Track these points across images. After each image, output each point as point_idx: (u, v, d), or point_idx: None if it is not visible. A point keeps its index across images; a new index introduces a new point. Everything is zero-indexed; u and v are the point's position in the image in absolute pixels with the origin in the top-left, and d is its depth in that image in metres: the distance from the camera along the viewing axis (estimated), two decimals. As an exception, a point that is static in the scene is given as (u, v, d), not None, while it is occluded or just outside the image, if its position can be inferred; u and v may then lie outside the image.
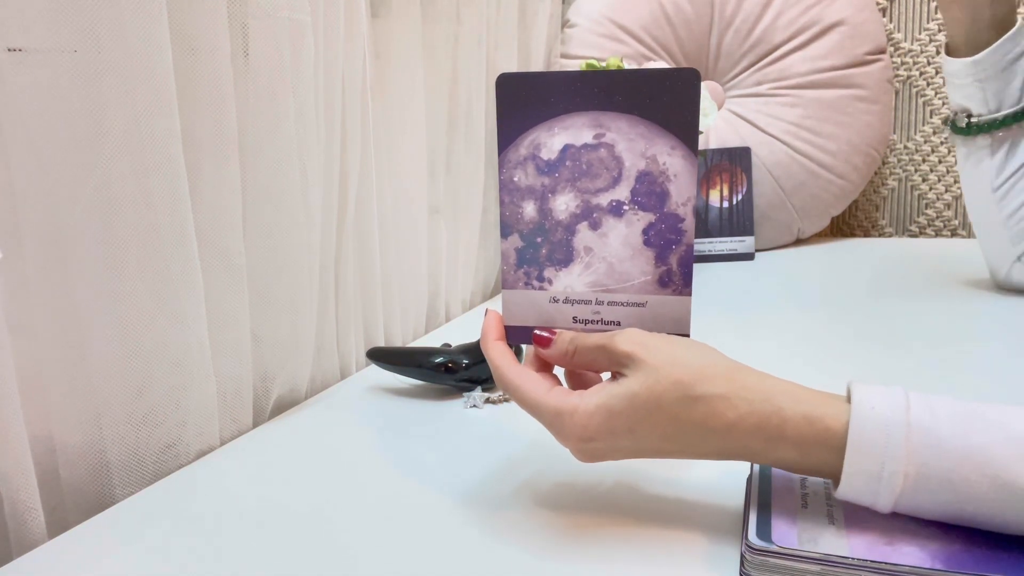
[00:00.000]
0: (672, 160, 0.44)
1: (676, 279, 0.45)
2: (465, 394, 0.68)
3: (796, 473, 0.42)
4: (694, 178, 0.44)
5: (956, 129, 0.86)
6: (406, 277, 0.90)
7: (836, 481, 0.39)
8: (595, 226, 0.45)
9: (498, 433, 0.60)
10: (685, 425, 0.40)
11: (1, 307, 0.46)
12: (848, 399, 0.39)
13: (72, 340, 0.51)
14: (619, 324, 0.46)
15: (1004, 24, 0.81)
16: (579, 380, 0.48)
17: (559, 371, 0.48)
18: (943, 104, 1.36)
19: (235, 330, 0.62)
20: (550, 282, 0.47)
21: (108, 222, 0.51)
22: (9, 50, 0.46)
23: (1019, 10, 0.80)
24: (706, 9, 1.29)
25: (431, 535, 0.46)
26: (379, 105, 0.82)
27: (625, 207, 0.45)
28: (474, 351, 0.69)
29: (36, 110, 0.47)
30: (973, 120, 0.83)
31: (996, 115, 0.82)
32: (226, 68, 0.58)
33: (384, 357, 0.70)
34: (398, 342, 0.88)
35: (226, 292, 0.61)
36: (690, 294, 0.45)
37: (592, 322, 0.46)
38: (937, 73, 1.34)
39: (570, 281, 0.46)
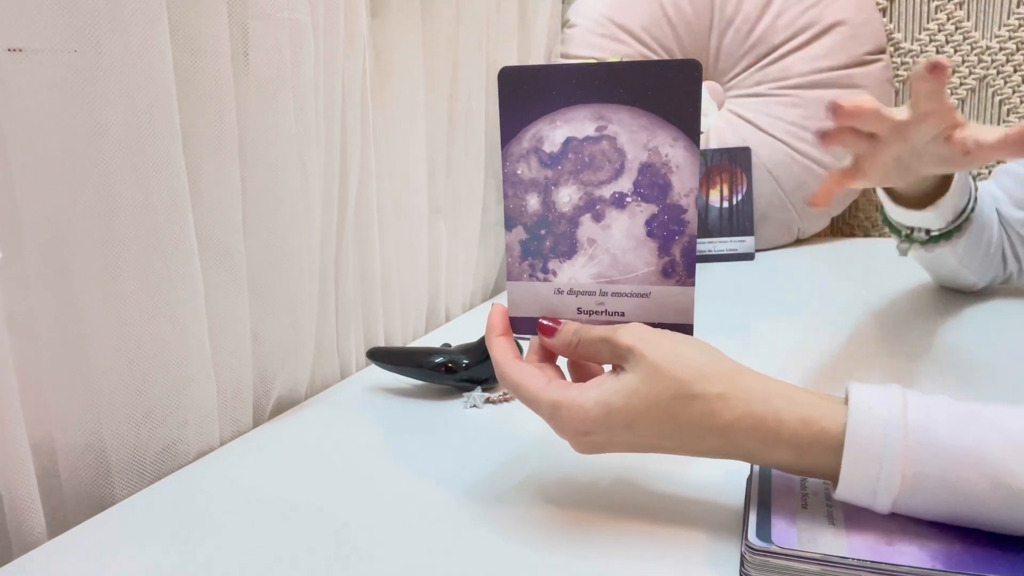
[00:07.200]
0: (674, 152, 0.44)
1: (679, 270, 0.45)
2: (465, 394, 0.68)
3: (793, 474, 0.42)
4: (696, 169, 0.44)
5: (915, 242, 0.82)
6: (406, 277, 0.90)
7: (833, 483, 0.39)
8: (598, 218, 0.46)
9: (498, 433, 0.60)
10: (682, 423, 0.40)
11: (1, 307, 0.46)
12: (846, 401, 0.39)
13: (72, 340, 0.51)
14: (623, 315, 0.46)
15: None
16: (582, 371, 0.48)
17: (562, 362, 0.48)
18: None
19: (235, 330, 0.62)
20: (554, 274, 0.47)
21: (108, 222, 0.51)
22: (9, 50, 0.46)
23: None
24: (706, 9, 1.29)
25: (431, 533, 0.46)
26: (379, 105, 0.82)
27: (628, 199, 0.45)
28: (474, 351, 0.69)
29: (36, 110, 0.47)
30: (934, 234, 0.80)
31: (955, 223, 0.79)
32: (226, 68, 0.58)
33: (384, 357, 0.70)
34: (398, 342, 0.88)
35: (226, 292, 0.61)
36: (693, 284, 0.45)
37: (596, 313, 0.47)
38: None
39: (574, 272, 0.47)
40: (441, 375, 0.68)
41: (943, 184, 0.75)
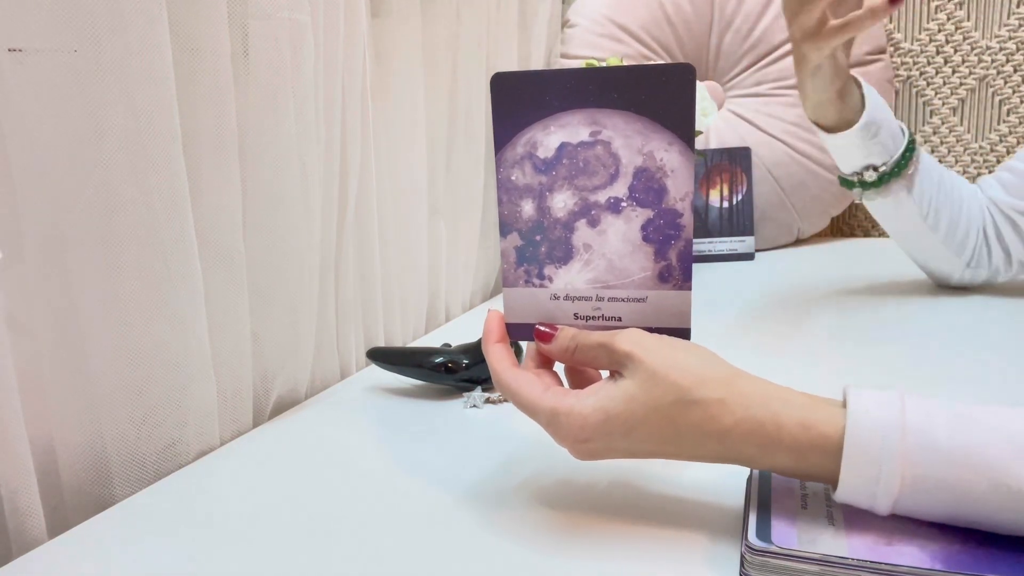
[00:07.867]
0: (669, 156, 0.44)
1: (676, 274, 0.45)
2: (465, 394, 0.68)
3: (793, 478, 0.42)
4: (691, 173, 0.44)
5: (868, 186, 0.86)
6: (406, 277, 0.90)
7: (833, 486, 0.39)
8: (594, 223, 0.45)
9: (498, 433, 0.60)
10: (681, 428, 0.40)
11: (1, 307, 0.46)
12: (844, 403, 0.39)
13: (72, 340, 0.52)
14: (620, 320, 0.46)
15: (845, 73, 0.80)
16: (579, 377, 0.48)
17: (559, 368, 0.48)
18: (943, 104, 1.35)
19: (235, 330, 0.62)
20: (550, 280, 0.47)
21: (108, 222, 0.51)
22: (9, 50, 0.46)
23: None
24: (706, 9, 1.29)
25: (431, 534, 0.46)
26: (379, 105, 0.82)
27: (623, 204, 0.45)
28: (474, 351, 0.69)
29: (36, 110, 0.47)
30: (882, 170, 0.84)
31: (896, 154, 0.83)
32: (226, 68, 0.58)
33: (384, 357, 0.70)
34: (398, 342, 0.88)
35: (226, 292, 0.61)
36: (690, 288, 0.45)
37: (593, 318, 0.47)
38: (937, 73, 1.34)
39: (570, 278, 0.46)
40: (441, 375, 0.68)
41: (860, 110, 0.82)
